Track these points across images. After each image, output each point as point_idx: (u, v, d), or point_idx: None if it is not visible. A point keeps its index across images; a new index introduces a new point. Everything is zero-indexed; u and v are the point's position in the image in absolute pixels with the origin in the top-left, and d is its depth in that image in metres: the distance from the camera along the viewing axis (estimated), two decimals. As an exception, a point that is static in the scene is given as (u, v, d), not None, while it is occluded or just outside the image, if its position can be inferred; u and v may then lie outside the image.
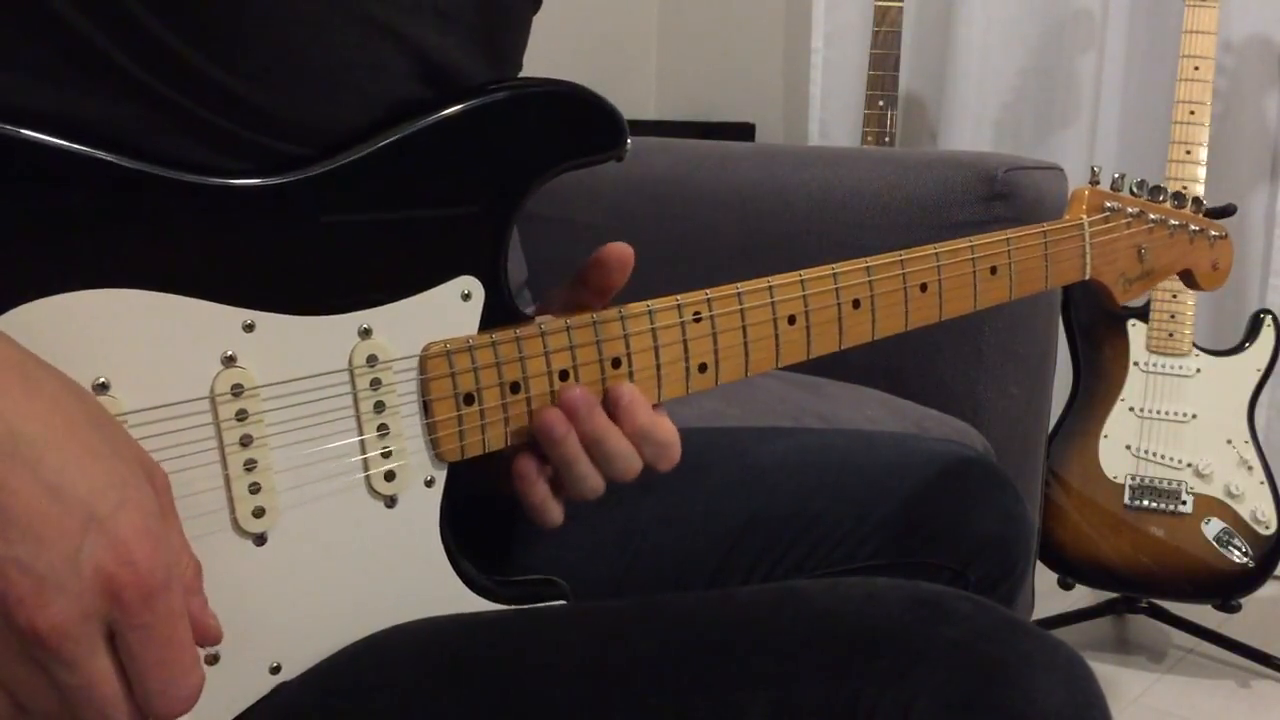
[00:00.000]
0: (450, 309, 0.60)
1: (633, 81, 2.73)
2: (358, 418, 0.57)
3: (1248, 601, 1.76)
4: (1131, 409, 1.79)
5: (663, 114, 2.74)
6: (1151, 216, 0.91)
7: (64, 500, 0.43)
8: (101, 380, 0.50)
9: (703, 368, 0.67)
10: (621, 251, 0.64)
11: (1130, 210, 0.90)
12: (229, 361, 0.53)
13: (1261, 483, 1.74)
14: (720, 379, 0.68)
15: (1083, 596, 1.95)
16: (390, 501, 0.59)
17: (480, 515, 0.65)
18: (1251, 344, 1.76)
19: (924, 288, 0.75)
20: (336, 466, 0.57)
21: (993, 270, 0.79)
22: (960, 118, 2.28)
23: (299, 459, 0.56)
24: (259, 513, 0.54)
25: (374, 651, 0.57)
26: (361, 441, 0.57)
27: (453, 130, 0.59)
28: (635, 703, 0.53)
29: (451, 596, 0.61)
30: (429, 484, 0.60)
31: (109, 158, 0.50)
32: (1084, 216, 0.87)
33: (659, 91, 2.78)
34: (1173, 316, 1.76)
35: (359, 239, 0.57)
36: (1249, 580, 1.74)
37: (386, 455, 0.58)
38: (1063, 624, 1.89)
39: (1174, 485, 1.76)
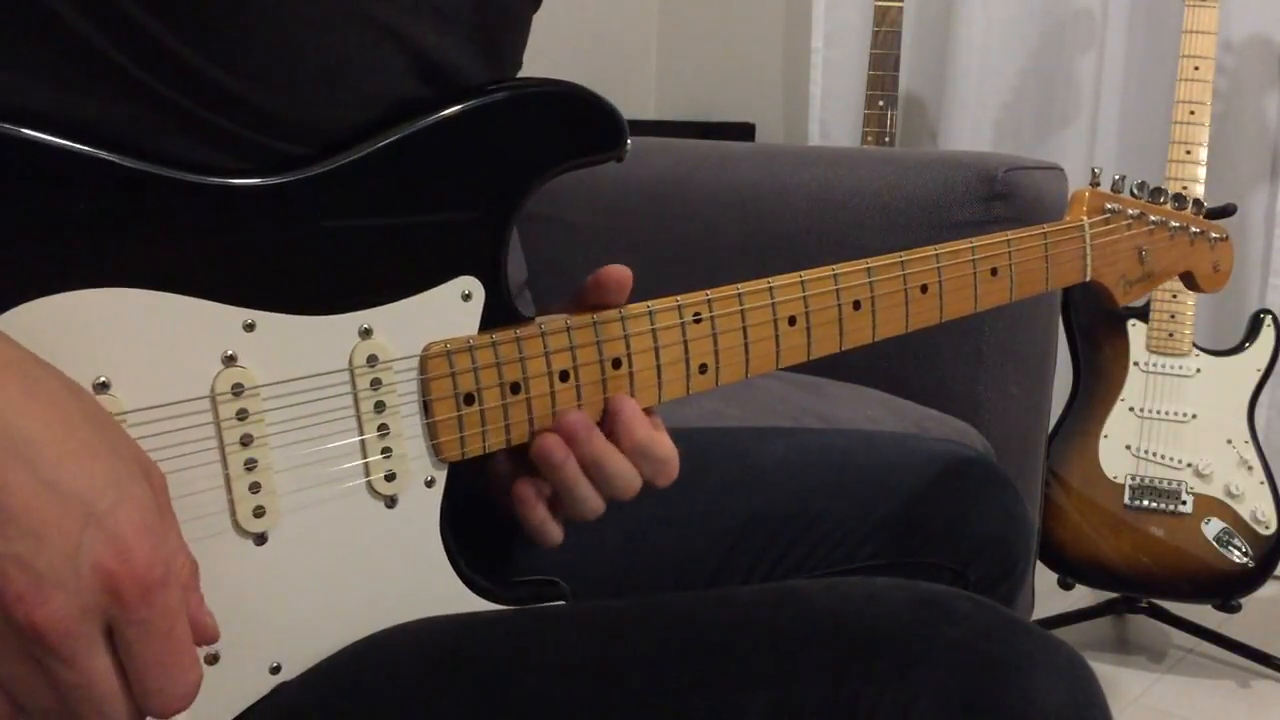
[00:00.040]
0: (450, 309, 0.60)
1: (633, 81, 2.73)
2: (358, 418, 0.57)
3: (1248, 601, 1.76)
4: (1131, 409, 1.79)
5: (663, 114, 2.74)
6: (1152, 218, 0.91)
7: (63, 497, 0.43)
8: (102, 379, 0.50)
9: (703, 368, 0.67)
10: (620, 273, 0.64)
11: (1131, 212, 0.90)
12: (229, 361, 0.53)
13: (1261, 483, 1.74)
14: (720, 380, 0.68)
15: (1083, 596, 1.95)
16: (390, 501, 0.59)
17: (480, 515, 0.66)
18: (1251, 344, 1.76)
19: (924, 289, 0.75)
20: (337, 466, 0.57)
21: (993, 272, 0.79)
22: (960, 118, 2.28)
23: (299, 459, 0.56)
24: (259, 512, 0.54)
25: (374, 651, 0.57)
26: (362, 441, 0.57)
27: (453, 130, 0.59)
28: (635, 702, 0.53)
29: (451, 596, 0.61)
30: (429, 484, 0.60)
31: (109, 157, 0.50)
32: (1084, 218, 0.87)
33: (659, 91, 2.78)
34: (1173, 316, 1.76)
35: (359, 239, 0.57)
36: (1249, 580, 1.74)
37: (387, 455, 0.58)
38: (1063, 624, 1.89)
39: (1174, 485, 1.76)
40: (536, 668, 0.55)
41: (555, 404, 0.63)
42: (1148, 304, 1.78)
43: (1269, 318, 1.76)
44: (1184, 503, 1.76)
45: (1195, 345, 1.77)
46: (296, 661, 0.56)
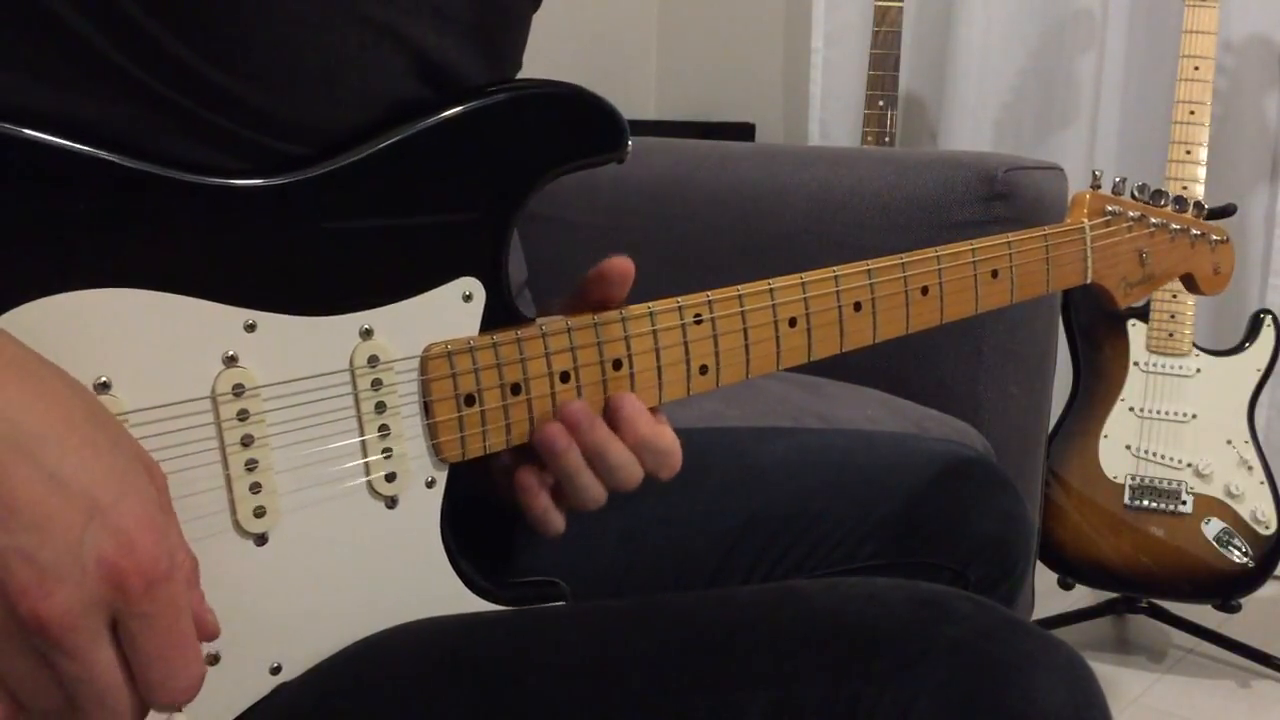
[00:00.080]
0: (451, 310, 0.60)
1: (633, 81, 2.73)
2: (359, 418, 0.57)
3: (1248, 601, 1.76)
4: (1131, 409, 1.79)
5: (663, 114, 2.74)
6: (1153, 220, 0.91)
7: (66, 491, 0.43)
8: (103, 379, 0.50)
9: (704, 369, 0.67)
10: (622, 265, 0.64)
11: (1131, 214, 0.90)
12: (230, 361, 0.53)
13: (1261, 483, 1.74)
14: (721, 381, 0.68)
15: (1083, 596, 1.95)
16: (391, 502, 0.59)
17: (481, 516, 0.66)
18: (1251, 344, 1.76)
19: (925, 291, 0.75)
20: (337, 467, 0.57)
21: (994, 274, 0.79)
22: (960, 118, 2.28)
23: (300, 459, 0.56)
24: (260, 513, 0.54)
25: (374, 651, 0.57)
26: (362, 442, 0.58)
27: (454, 131, 0.59)
28: (635, 702, 0.53)
29: (451, 597, 0.61)
30: (430, 485, 0.60)
31: (110, 157, 0.50)
32: (1085, 220, 0.87)
33: (659, 91, 2.78)
34: (1173, 316, 1.76)
35: (360, 239, 0.57)
36: (1249, 580, 1.74)
37: (387, 456, 0.58)
38: (1063, 624, 1.89)
39: (1174, 485, 1.76)
40: (536, 668, 0.55)
41: (556, 405, 0.63)
42: (1148, 304, 1.78)
43: (1269, 318, 1.76)
44: (1184, 503, 1.76)
45: (1195, 345, 1.77)
46: (297, 661, 0.56)
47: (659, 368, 0.66)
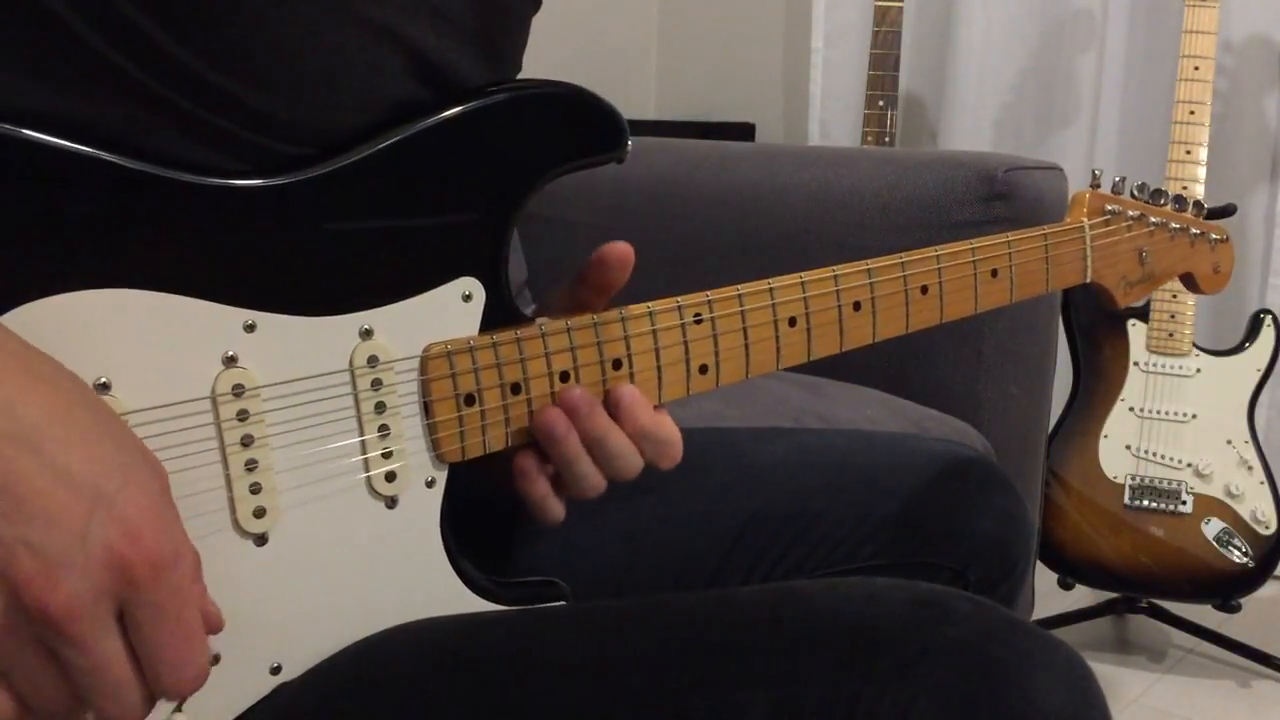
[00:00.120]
0: (451, 310, 0.60)
1: (633, 81, 2.73)
2: (358, 418, 0.57)
3: (1248, 601, 1.76)
4: (1131, 409, 1.79)
5: (663, 114, 2.74)
6: (1152, 220, 0.91)
7: (70, 481, 0.43)
8: (103, 380, 0.50)
9: (703, 369, 0.67)
10: (622, 250, 0.64)
11: (1131, 213, 0.90)
12: (230, 362, 0.53)
13: (1261, 483, 1.74)
14: (721, 380, 0.68)
15: (1083, 596, 1.95)
16: (391, 502, 0.59)
17: (481, 516, 0.66)
18: (1251, 344, 1.76)
19: (925, 290, 0.75)
20: (337, 467, 0.57)
21: (993, 273, 0.79)
22: (960, 118, 2.27)
23: (300, 459, 0.56)
24: (260, 513, 0.54)
25: (374, 651, 0.57)
26: (362, 442, 0.58)
27: (453, 132, 0.59)
28: (635, 702, 0.53)
29: (452, 597, 0.61)
30: (429, 485, 0.60)
31: (110, 158, 0.50)
32: (1085, 219, 0.87)
33: (659, 91, 2.78)
34: (1173, 316, 1.76)
35: (360, 240, 0.57)
36: (1249, 580, 1.74)
37: (387, 456, 0.58)
38: (1063, 624, 1.89)
39: (1174, 485, 1.76)
40: (536, 668, 0.55)
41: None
42: (1148, 304, 1.78)
43: (1269, 318, 1.76)
44: (1184, 503, 1.76)
45: (1195, 345, 1.77)
46: (297, 662, 0.56)
47: (659, 367, 0.66)
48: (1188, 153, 1.76)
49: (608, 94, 0.63)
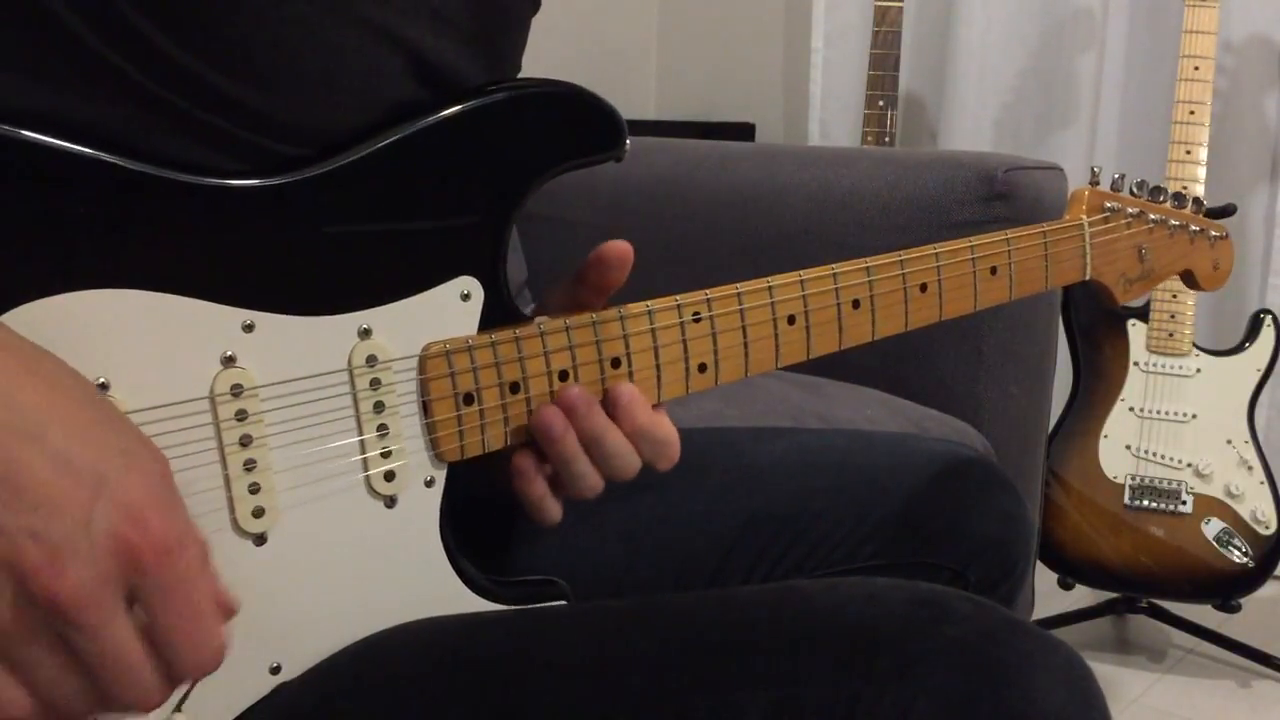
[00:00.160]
0: (449, 309, 0.60)
1: (633, 81, 2.73)
2: (357, 418, 0.57)
3: (1248, 601, 1.76)
4: (1131, 409, 1.79)
5: (663, 114, 2.74)
6: (1152, 217, 0.91)
7: (72, 468, 0.43)
8: (101, 380, 0.50)
9: (702, 368, 0.67)
10: (621, 249, 0.64)
11: (1130, 211, 0.90)
12: (229, 362, 0.53)
13: (1261, 483, 1.74)
14: (720, 379, 0.68)
15: (1083, 596, 1.95)
16: (390, 501, 0.59)
17: (480, 515, 0.66)
18: (1251, 344, 1.76)
19: (924, 288, 0.75)
20: (336, 466, 0.57)
21: (993, 270, 0.79)
22: (960, 118, 2.28)
23: (299, 459, 0.56)
24: (259, 513, 0.54)
25: (374, 651, 0.57)
26: (361, 441, 0.57)
27: (452, 131, 0.59)
28: (635, 702, 0.53)
29: (451, 596, 0.61)
30: (429, 484, 0.60)
31: (109, 159, 0.50)
32: (1084, 217, 0.87)
33: (659, 91, 2.78)
34: (1173, 316, 1.76)
35: (358, 240, 0.57)
36: (1249, 580, 1.74)
37: (386, 455, 0.58)
38: (1063, 624, 1.89)
39: (1174, 485, 1.76)
40: (536, 668, 0.55)
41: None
42: (1148, 304, 1.78)
43: (1269, 318, 1.76)
44: (1184, 503, 1.76)
45: (1195, 345, 1.77)
46: (296, 661, 0.56)
47: (657, 366, 0.65)
48: (1188, 153, 1.76)
49: (608, 94, 0.63)
